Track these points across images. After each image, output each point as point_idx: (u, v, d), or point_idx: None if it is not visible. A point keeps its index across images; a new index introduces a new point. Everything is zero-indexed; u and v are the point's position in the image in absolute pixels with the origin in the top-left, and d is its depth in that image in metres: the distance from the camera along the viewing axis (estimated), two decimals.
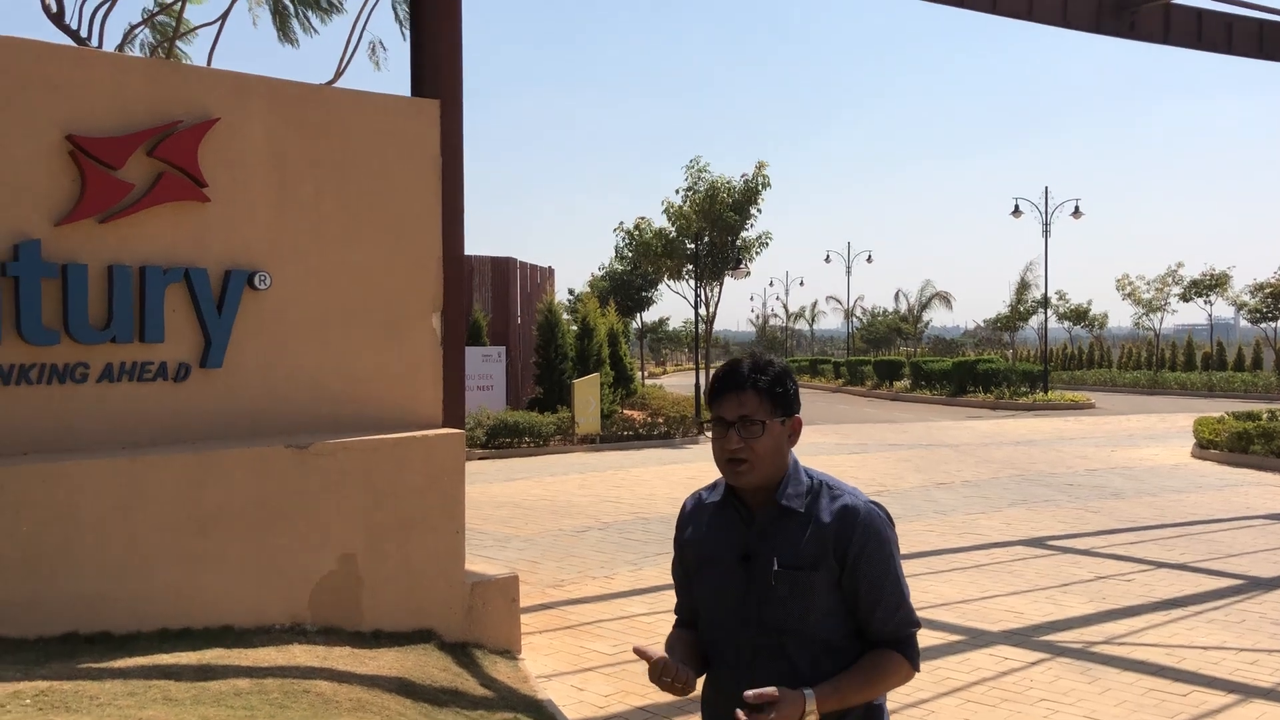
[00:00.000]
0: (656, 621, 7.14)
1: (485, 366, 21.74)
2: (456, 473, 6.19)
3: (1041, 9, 11.50)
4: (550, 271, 27.13)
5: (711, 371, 26.13)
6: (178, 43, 13.78)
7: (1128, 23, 12.30)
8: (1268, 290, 42.29)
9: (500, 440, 19.00)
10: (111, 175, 5.33)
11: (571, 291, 47.84)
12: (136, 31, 13.86)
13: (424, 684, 5.11)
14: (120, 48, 13.05)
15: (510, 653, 6.29)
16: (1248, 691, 5.87)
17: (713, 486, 2.53)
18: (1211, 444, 17.73)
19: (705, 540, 2.46)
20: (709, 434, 21.85)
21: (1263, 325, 43.41)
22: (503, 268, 24.02)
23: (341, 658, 5.17)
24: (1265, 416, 18.05)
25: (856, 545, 2.33)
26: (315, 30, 14.04)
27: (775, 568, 2.32)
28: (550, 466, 16.91)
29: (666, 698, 5.74)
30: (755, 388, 2.35)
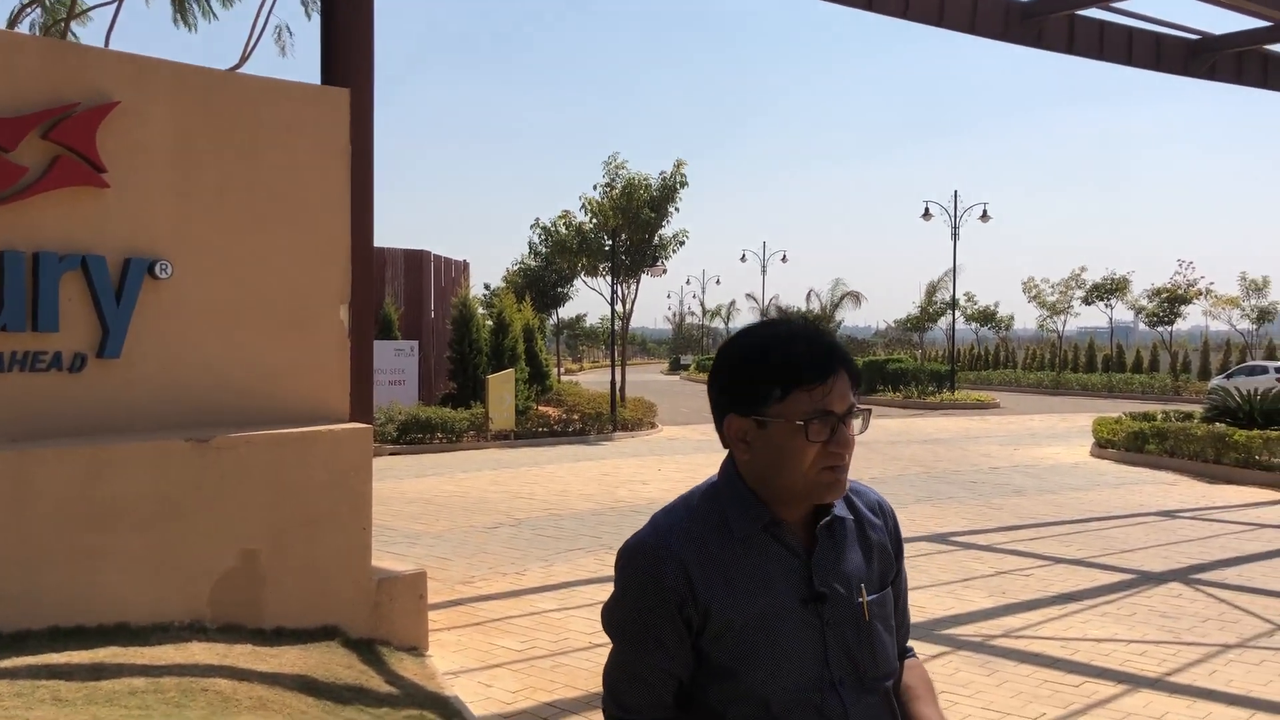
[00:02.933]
0: (567, 618, 7.13)
1: (397, 361, 21.48)
2: (364, 468, 6.11)
3: (951, 15, 11.74)
4: (465, 265, 26.92)
5: (625, 368, 26.19)
6: (72, 24, 13.33)
7: (1034, 32, 12.62)
8: (1164, 295, 43.79)
9: (412, 436, 18.80)
10: (3, 158, 5.14)
11: (487, 286, 47.61)
12: (27, 11, 13.38)
13: (327, 681, 5.03)
14: (10, 28, 12.59)
15: (417, 649, 6.23)
16: (1136, 681, 6.07)
17: (695, 513, 1.75)
18: (1109, 443, 18.31)
19: (745, 592, 1.70)
20: (625, 431, 22.01)
21: (1159, 329, 44.91)
22: (416, 260, 23.77)
23: (242, 655, 5.07)
24: (1160, 417, 18.71)
25: (901, 545, 1.90)
26: (215, 15, 13.67)
27: (865, 597, 1.76)
28: (463, 463, 16.78)
29: (574, 694, 5.76)
30: (850, 368, 1.72)
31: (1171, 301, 43.54)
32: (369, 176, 6.61)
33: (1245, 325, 43.78)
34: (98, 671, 4.41)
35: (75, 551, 5.09)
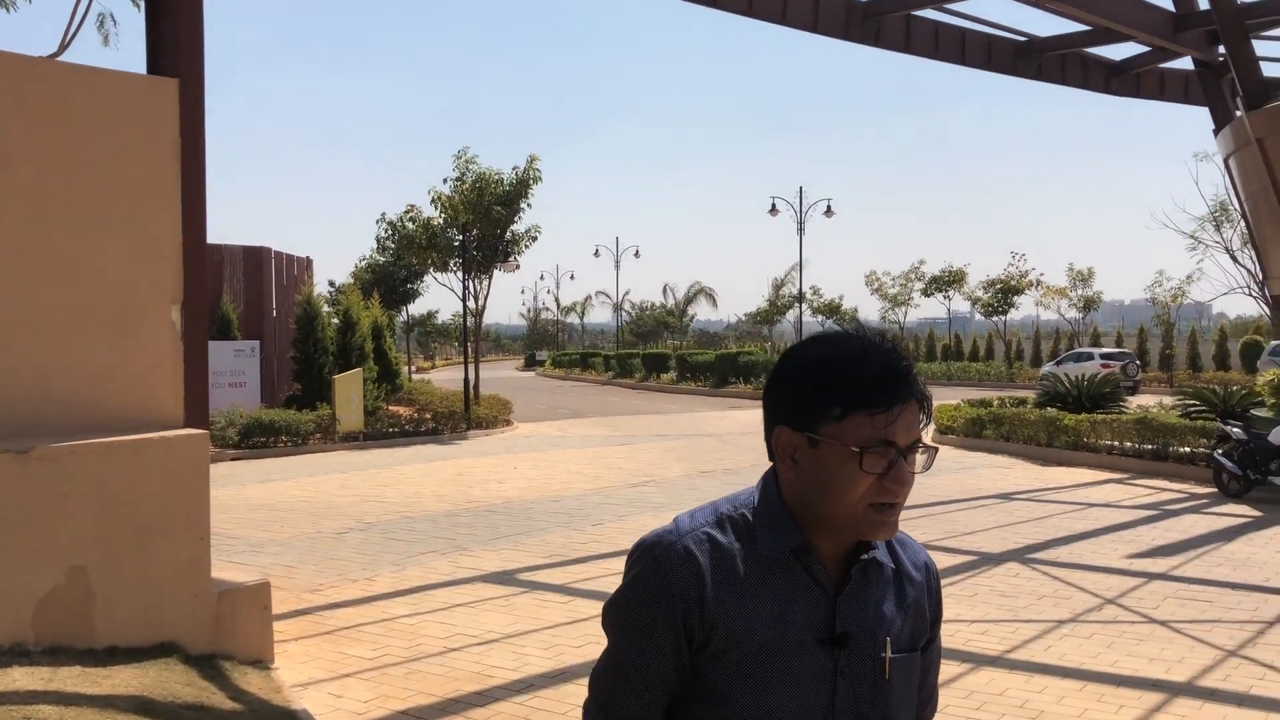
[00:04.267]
0: (420, 623, 6.97)
1: (238, 362, 20.73)
2: (200, 475, 5.84)
3: (794, 14, 11.97)
4: (309, 262, 26.16)
5: (479, 365, 25.92)
6: None
7: (873, 31, 13.00)
8: (998, 286, 45.75)
9: (255, 440, 18.15)
10: None
11: (333, 283, 46.30)
12: None
13: (165, 701, 4.79)
14: None
15: (263, 663, 5.99)
16: (978, 660, 6.30)
17: (721, 521, 1.61)
18: (949, 429, 19.01)
19: (759, 616, 1.55)
20: (480, 429, 21.76)
21: (994, 319, 46.91)
22: (256, 257, 22.98)
23: (70, 678, 4.78)
24: (996, 403, 19.52)
25: (940, 611, 1.75)
26: None
27: (890, 653, 1.59)
28: (309, 466, 16.30)
29: (428, 700, 5.63)
30: (921, 397, 1.56)
31: (1005, 292, 45.49)
32: (201, 170, 6.32)
33: (1073, 314, 46.07)
34: None
35: None
